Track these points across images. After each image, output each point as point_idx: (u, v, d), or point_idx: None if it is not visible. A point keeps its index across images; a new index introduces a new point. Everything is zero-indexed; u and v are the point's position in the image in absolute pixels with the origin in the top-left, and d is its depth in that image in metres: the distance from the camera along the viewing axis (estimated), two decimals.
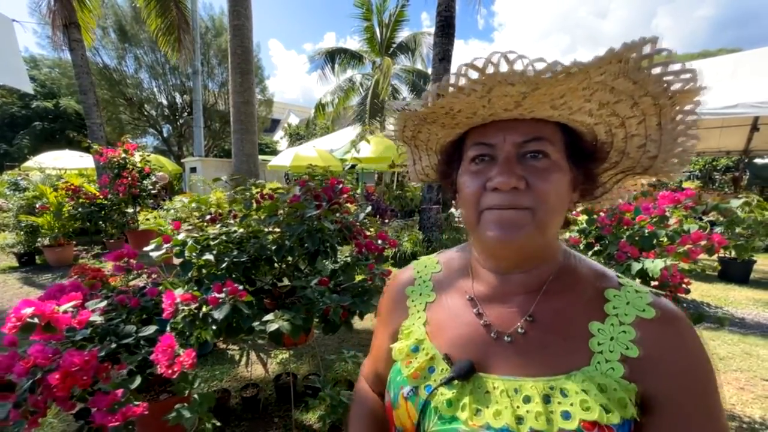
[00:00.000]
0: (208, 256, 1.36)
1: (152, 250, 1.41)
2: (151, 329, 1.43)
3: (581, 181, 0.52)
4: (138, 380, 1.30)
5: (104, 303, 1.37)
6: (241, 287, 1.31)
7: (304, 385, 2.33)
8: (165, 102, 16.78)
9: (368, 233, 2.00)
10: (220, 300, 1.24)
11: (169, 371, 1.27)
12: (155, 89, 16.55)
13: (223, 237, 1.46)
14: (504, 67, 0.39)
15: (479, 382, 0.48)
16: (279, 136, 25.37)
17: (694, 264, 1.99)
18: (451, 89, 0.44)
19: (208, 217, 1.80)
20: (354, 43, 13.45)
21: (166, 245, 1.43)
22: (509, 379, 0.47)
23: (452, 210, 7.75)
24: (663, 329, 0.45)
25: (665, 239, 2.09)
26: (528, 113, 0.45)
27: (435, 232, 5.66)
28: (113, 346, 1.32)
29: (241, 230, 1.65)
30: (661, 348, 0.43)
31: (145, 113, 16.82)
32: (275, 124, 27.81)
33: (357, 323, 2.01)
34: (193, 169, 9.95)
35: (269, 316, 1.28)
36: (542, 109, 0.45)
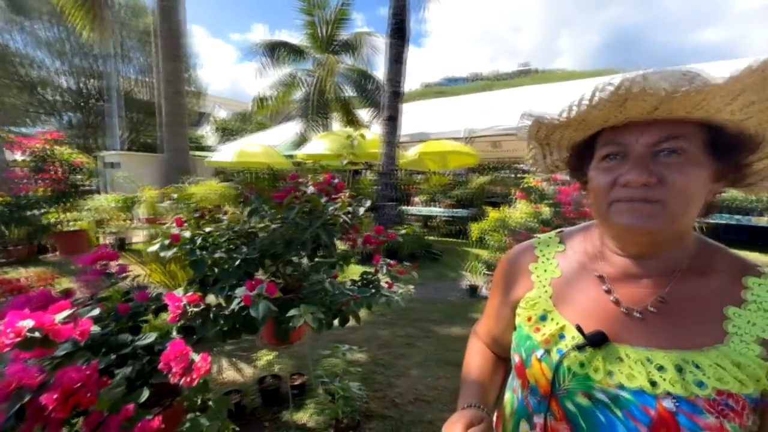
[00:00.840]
0: (220, 254, 1.29)
1: (160, 250, 1.28)
2: (151, 337, 1.31)
3: (727, 172, 0.52)
4: (146, 393, 1.18)
5: (97, 311, 1.21)
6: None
7: (291, 386, 2.27)
8: (69, 86, 14.43)
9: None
10: (253, 298, 1.19)
11: (187, 380, 1.17)
12: (54, 70, 14.14)
13: (230, 233, 1.38)
14: (636, 88, 0.42)
15: (611, 350, 0.52)
16: (205, 131, 23.39)
17: None
18: (585, 105, 0.49)
19: (197, 214, 1.68)
20: (286, 36, 12.93)
21: (167, 243, 1.31)
22: (641, 350, 0.51)
23: (402, 207, 7.97)
24: None
25: None
26: (664, 115, 0.47)
27: (392, 227, 5.81)
28: (113, 357, 1.18)
29: (238, 227, 1.58)
30: None
31: (42, 98, 14.30)
32: (201, 117, 25.62)
33: None
34: (113, 165, 8.79)
35: (294, 311, 1.26)
36: (679, 112, 0.46)
